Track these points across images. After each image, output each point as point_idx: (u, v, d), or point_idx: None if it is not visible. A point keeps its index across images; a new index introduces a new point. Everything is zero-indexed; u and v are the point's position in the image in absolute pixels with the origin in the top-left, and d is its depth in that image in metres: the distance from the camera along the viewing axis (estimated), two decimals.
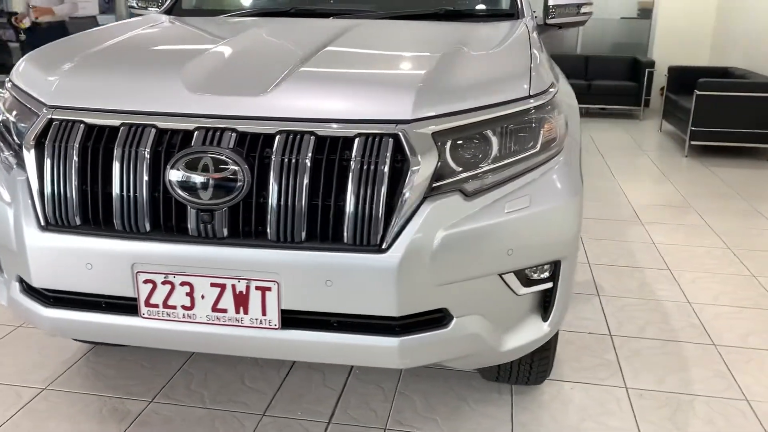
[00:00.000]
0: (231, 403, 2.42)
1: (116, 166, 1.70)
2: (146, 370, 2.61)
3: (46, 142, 1.75)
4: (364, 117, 1.67)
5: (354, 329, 1.71)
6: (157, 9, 3.09)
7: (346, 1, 2.98)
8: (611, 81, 8.59)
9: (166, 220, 1.71)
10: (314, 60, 1.94)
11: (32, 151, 1.76)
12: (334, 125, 1.67)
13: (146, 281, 1.72)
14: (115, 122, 1.74)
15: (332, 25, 2.45)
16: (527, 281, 1.85)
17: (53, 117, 1.78)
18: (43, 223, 1.75)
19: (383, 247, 1.63)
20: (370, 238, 1.64)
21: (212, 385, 2.53)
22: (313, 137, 1.66)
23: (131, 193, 1.70)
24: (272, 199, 1.64)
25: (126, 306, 1.77)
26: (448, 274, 1.69)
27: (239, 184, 1.64)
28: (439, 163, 1.68)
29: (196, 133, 1.69)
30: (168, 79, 1.83)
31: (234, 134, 1.68)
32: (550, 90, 1.93)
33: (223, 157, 1.64)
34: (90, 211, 1.74)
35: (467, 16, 2.78)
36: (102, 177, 1.73)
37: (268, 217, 1.65)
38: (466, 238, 1.68)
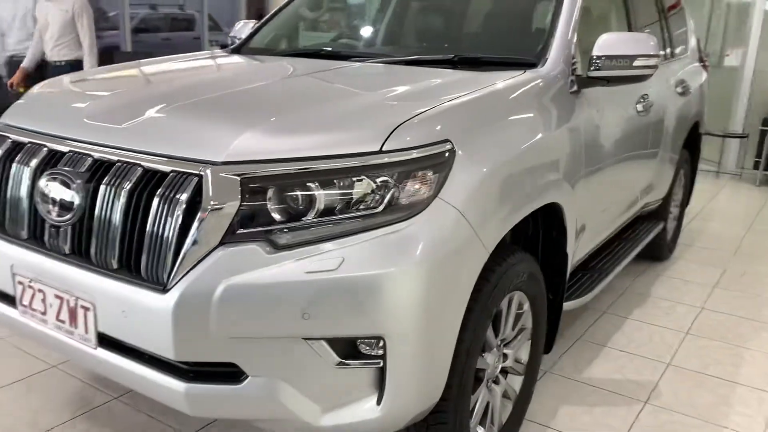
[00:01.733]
0: (172, 418, 2.53)
1: (11, 178, 1.95)
2: None
3: None
4: (181, 155, 1.68)
5: (154, 365, 1.71)
6: None
7: (387, 44, 2.95)
8: None
9: (35, 231, 1.90)
10: (203, 99, 1.99)
11: None
12: (157, 160, 1.70)
13: (19, 282, 1.92)
14: (25, 140, 1.99)
15: (317, 66, 2.47)
16: (350, 354, 1.66)
17: None
18: None
19: (167, 287, 1.61)
20: (158, 276, 1.63)
21: None
22: (139, 169, 1.72)
23: (15, 203, 1.92)
24: (96, 224, 1.73)
25: (11, 299, 2.00)
26: (235, 327, 1.59)
27: (76, 205, 1.75)
28: (244, 210, 1.61)
29: (67, 154, 1.86)
30: (76, 105, 2.03)
31: (89, 159, 1.81)
32: (426, 149, 1.71)
33: (67, 179, 1.77)
34: None
35: (484, 63, 2.56)
36: (4, 187, 1.98)
37: (92, 240, 1.74)
38: (254, 292, 1.58)
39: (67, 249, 1.81)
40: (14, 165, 1.96)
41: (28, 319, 1.93)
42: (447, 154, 1.76)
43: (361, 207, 1.65)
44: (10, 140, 2.04)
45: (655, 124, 3.50)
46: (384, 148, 1.67)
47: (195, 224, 1.60)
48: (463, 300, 1.80)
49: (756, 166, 7.39)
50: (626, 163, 3.14)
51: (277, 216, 1.64)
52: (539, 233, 2.53)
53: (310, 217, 1.63)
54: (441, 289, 1.70)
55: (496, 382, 2.29)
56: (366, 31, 3.28)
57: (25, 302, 1.92)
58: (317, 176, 1.64)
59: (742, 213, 6.16)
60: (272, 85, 2.25)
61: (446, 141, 1.78)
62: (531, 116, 2.20)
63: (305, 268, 1.58)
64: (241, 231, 1.61)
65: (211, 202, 1.59)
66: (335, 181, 1.64)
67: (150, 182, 1.69)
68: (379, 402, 1.69)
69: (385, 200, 1.65)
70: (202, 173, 1.62)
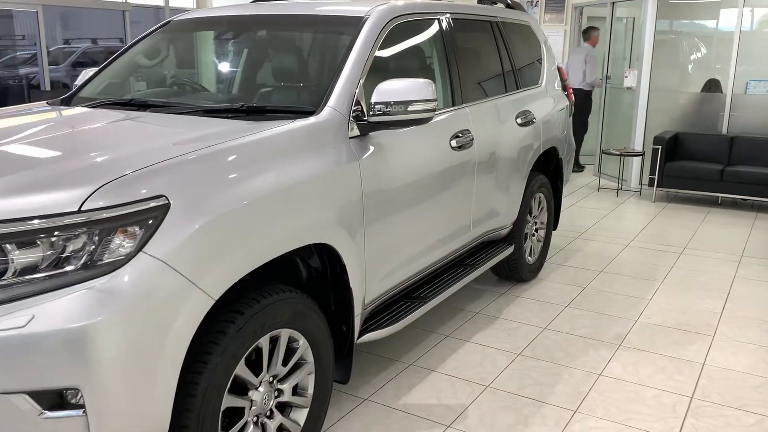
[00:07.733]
0: None
1: None
2: None
3: None
4: None
5: None
6: None
7: (191, 94, 3.09)
8: (757, 168, 7.29)
9: None
10: None
11: None
12: None
13: None
14: None
15: (105, 117, 2.62)
16: (57, 404, 1.76)
17: None
18: None
19: None
20: None
21: None
22: None
23: None
24: None
25: None
26: None
27: None
28: None
29: None
30: None
31: None
32: (131, 206, 1.83)
33: None
34: None
35: (268, 112, 2.70)
36: None
37: None
38: None
39: None
40: None
41: None
42: (157, 210, 1.87)
43: (59, 265, 1.76)
44: None
45: (481, 156, 3.66)
46: (83, 208, 1.78)
47: None
48: (180, 346, 1.90)
49: (651, 183, 7.67)
50: (440, 197, 3.29)
51: None
52: (328, 272, 2.67)
53: (7, 276, 1.74)
54: (143, 338, 1.80)
55: (270, 416, 2.40)
56: (177, 82, 3.43)
57: None
58: (12, 238, 1.74)
59: (627, 230, 6.39)
60: (31, 142, 2.35)
61: (160, 196, 1.89)
62: (282, 164, 2.31)
63: None
64: None
65: None
66: (36, 241, 1.75)
67: None
68: None
69: (83, 258, 1.77)
70: None
